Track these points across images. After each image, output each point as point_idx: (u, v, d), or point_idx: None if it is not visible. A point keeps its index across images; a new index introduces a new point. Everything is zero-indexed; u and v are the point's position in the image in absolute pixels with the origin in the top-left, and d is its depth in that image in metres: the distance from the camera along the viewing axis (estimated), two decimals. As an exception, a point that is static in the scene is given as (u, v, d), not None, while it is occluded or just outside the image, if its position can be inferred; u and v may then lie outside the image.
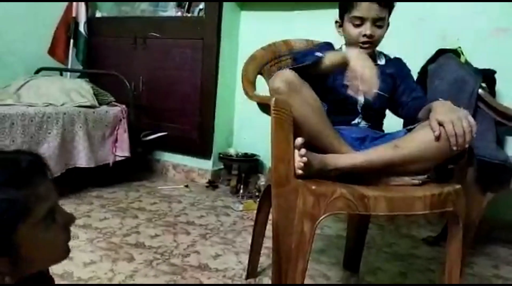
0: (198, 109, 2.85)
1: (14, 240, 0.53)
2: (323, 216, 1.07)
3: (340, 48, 1.48)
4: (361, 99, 1.37)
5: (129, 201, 2.41)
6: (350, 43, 1.40)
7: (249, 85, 1.43)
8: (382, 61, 1.45)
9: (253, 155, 2.83)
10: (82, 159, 2.35)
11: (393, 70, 1.43)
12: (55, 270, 1.48)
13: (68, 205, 2.21)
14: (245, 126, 2.96)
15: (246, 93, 1.41)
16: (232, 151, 2.83)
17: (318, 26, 1.92)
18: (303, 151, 1.07)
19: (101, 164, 2.50)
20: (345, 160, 1.14)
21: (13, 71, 2.80)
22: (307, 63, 1.22)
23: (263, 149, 2.85)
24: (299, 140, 1.09)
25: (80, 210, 2.18)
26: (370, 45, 1.35)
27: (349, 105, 1.38)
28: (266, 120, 3.24)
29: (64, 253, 0.65)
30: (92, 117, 2.44)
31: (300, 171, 1.09)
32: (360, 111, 1.39)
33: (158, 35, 2.95)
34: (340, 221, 2.35)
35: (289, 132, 1.10)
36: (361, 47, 1.34)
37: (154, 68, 2.98)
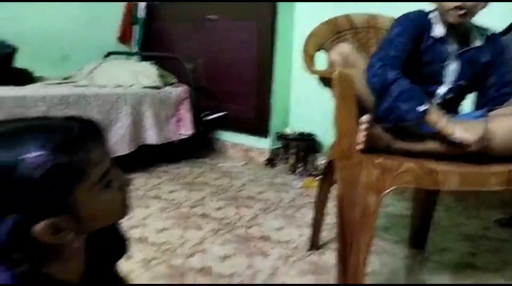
0: (255, 89, 2.91)
1: (72, 201, 0.55)
2: (388, 190, 1.08)
3: (430, 12, 1.31)
4: (439, 92, 1.30)
5: (194, 176, 2.56)
6: (442, 13, 1.24)
7: (310, 60, 1.45)
8: (477, 43, 1.27)
9: (309, 134, 2.84)
10: (151, 137, 2.52)
11: (489, 57, 1.27)
12: (133, 234, 1.65)
13: (139, 179, 2.40)
14: (301, 105, 2.97)
15: (308, 68, 1.43)
16: (288, 130, 2.87)
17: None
18: (365, 126, 1.08)
19: (167, 142, 2.66)
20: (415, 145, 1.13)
21: (86, 56, 3.03)
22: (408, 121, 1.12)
23: (320, 128, 2.85)
24: (364, 117, 1.10)
25: (150, 183, 2.36)
26: (464, 16, 1.18)
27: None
28: (322, 98, 3.22)
29: (122, 212, 0.66)
30: (158, 98, 2.60)
31: (361, 146, 1.10)
32: (435, 100, 1.31)
33: (215, 17, 3.02)
34: (405, 200, 2.31)
35: (352, 105, 1.11)
36: (453, 20, 1.20)
37: (212, 50, 3.07)
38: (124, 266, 0.94)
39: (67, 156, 0.54)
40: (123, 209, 0.66)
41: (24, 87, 2.16)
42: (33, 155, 0.52)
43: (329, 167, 1.45)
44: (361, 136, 1.09)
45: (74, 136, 0.56)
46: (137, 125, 2.47)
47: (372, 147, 1.12)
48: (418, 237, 1.70)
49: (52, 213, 0.54)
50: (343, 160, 1.13)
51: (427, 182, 1.05)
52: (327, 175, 1.47)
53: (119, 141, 2.32)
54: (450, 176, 1.03)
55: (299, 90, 2.95)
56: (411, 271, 1.53)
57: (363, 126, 1.08)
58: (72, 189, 0.55)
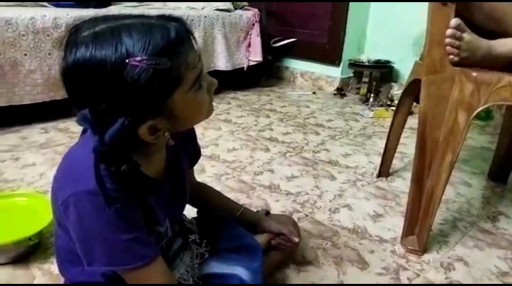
0: (330, 12, 2.71)
1: (170, 103, 0.57)
2: (481, 107, 0.97)
3: None
4: None
5: (261, 103, 2.56)
6: None
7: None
8: None
9: (386, 62, 2.64)
10: (221, 62, 2.51)
11: None
12: (206, 152, 1.71)
13: (209, 103, 2.46)
14: (379, 30, 2.73)
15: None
16: (363, 57, 2.68)
17: None
18: (452, 31, 0.94)
19: (237, 68, 2.64)
20: None
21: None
22: None
23: (398, 55, 2.63)
24: (454, 21, 0.95)
25: (220, 107, 2.41)
26: None
27: None
28: (403, 23, 2.96)
29: (208, 112, 0.67)
30: (228, 21, 2.54)
31: (452, 57, 0.97)
32: None
33: None
34: (486, 134, 2.12)
35: (450, 9, 0.97)
36: None
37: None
38: (197, 178, 0.99)
39: (168, 60, 0.54)
40: (209, 109, 0.67)
41: (107, 8, 2.23)
42: (138, 59, 0.52)
43: (410, 89, 1.33)
44: (451, 43, 0.96)
45: (173, 39, 0.56)
46: (208, 49, 2.46)
47: (465, 59, 0.99)
48: (500, 170, 1.56)
49: (153, 115, 0.57)
50: (432, 74, 1.01)
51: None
52: (408, 95, 1.36)
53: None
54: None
55: (378, 14, 2.70)
56: (488, 202, 1.42)
57: (450, 31, 0.94)
58: (171, 92, 0.57)
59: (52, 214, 0.70)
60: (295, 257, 1.07)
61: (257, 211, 1.07)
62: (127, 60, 0.52)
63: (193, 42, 0.60)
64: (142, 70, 0.52)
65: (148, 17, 0.59)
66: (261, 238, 0.98)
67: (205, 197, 0.99)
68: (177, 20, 0.60)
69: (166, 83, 0.55)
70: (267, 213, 1.07)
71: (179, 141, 0.78)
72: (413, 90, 1.36)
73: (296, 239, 0.96)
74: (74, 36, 0.55)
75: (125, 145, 0.56)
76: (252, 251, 0.88)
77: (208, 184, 1.06)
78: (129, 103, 0.54)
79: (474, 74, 0.95)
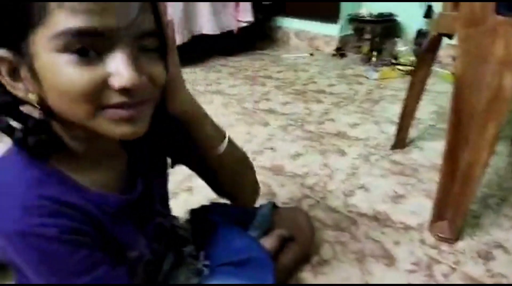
0: (325, -39, 2.43)
1: (26, 43, 0.39)
2: (535, 67, 0.77)
3: None
4: None
5: (255, 69, 2.33)
6: None
7: None
8: None
9: (390, 15, 2.39)
10: (207, 25, 2.25)
11: None
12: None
13: (198, 73, 2.23)
14: (381, -20, 2.46)
15: None
16: (364, 11, 2.43)
17: None
18: None
19: (225, 31, 2.38)
20: None
21: None
22: None
23: (403, 7, 2.38)
24: None
25: (210, 77, 2.18)
26: None
27: None
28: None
29: (108, 132, 0.44)
30: (212, -22, 2.26)
31: None
32: None
33: None
34: None
35: None
36: None
37: None
38: None
39: None
40: (102, 125, 0.43)
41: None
42: None
43: (431, 45, 1.13)
44: None
45: None
46: (190, 11, 2.19)
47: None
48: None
49: (9, 44, 0.40)
50: (470, 26, 0.81)
51: None
52: (429, 52, 1.16)
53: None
54: None
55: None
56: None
57: None
58: (29, 23, 0.38)
59: None
60: (310, 257, 0.91)
61: (260, 206, 0.89)
62: None
63: None
64: None
65: None
66: (269, 241, 0.81)
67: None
68: None
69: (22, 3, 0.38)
70: (275, 206, 0.90)
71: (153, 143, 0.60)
72: (433, 47, 1.16)
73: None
74: None
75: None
76: (261, 264, 0.71)
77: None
78: None
79: (528, 24, 0.75)
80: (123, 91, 0.40)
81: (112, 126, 0.42)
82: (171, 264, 0.71)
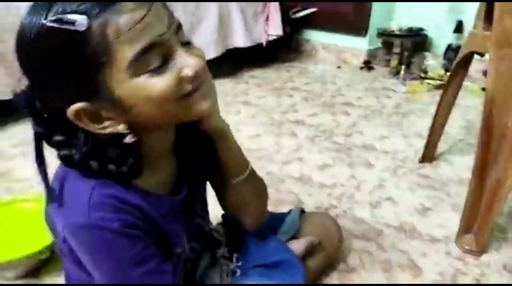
0: (355, -24, 2.47)
1: (100, 84, 0.44)
2: None
3: None
4: None
5: (282, 81, 2.38)
6: None
7: None
8: None
9: (419, 29, 2.40)
10: (239, 38, 2.32)
11: None
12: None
13: (227, 84, 2.30)
14: (410, -5, 2.48)
15: None
16: (393, 25, 2.45)
17: None
18: None
19: (255, 44, 2.45)
20: None
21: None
22: None
23: (433, 22, 2.39)
24: None
25: (238, 88, 2.25)
26: None
27: None
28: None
29: (185, 111, 0.49)
30: (244, -7, 2.33)
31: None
32: None
33: None
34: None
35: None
36: None
37: None
38: None
39: (87, 19, 0.40)
40: (183, 105, 0.48)
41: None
42: (51, 18, 0.41)
43: (467, 58, 1.14)
44: None
45: None
46: (224, 25, 2.27)
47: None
48: None
49: (84, 96, 0.45)
50: (503, 47, 0.83)
51: None
52: (460, 70, 1.17)
53: (206, 44, 2.17)
54: None
55: (408, -24, 2.44)
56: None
57: None
58: (97, 66, 0.43)
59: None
60: (337, 263, 0.94)
61: (290, 210, 0.93)
62: (41, 22, 0.41)
63: (146, 4, 0.43)
64: (51, 33, 0.41)
65: None
66: (297, 245, 0.85)
67: None
68: None
69: (86, 51, 0.41)
70: (302, 211, 0.94)
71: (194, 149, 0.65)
72: (465, 64, 1.18)
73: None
74: None
75: (60, 126, 0.47)
76: (292, 267, 0.75)
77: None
78: (51, 74, 0.44)
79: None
80: (194, 76, 0.47)
81: (194, 109, 0.49)
82: (206, 264, 0.75)
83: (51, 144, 0.49)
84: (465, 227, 1.01)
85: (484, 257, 0.98)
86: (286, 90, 2.22)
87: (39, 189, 1.24)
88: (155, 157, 0.55)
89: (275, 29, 2.46)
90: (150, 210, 0.53)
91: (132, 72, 0.44)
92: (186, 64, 0.47)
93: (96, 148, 0.48)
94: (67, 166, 0.50)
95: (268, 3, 2.44)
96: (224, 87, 2.26)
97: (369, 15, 2.50)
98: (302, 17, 2.76)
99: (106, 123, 0.47)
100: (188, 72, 0.47)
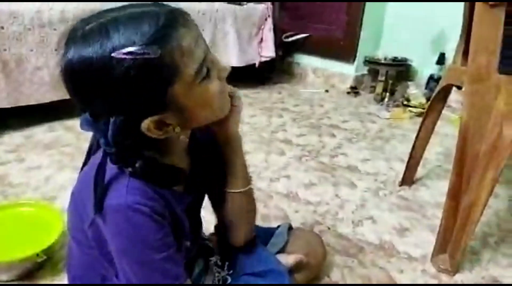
0: (346, 6, 2.60)
1: (171, 97, 0.52)
2: (531, 121, 0.88)
3: None
4: None
5: (273, 101, 2.47)
6: None
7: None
8: None
9: (404, 59, 2.54)
10: (233, 58, 2.42)
11: None
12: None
13: (219, 101, 2.37)
14: (397, 26, 2.62)
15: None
16: (380, 54, 2.58)
17: None
18: None
19: (248, 65, 2.55)
20: None
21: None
22: None
23: (417, 53, 2.53)
24: None
25: (231, 106, 2.32)
26: None
27: None
28: (423, 19, 2.81)
29: (224, 104, 0.61)
30: (241, 14, 2.44)
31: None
32: None
33: None
34: None
35: (500, 11, 0.88)
36: None
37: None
38: None
39: (158, 48, 0.48)
40: (224, 101, 0.61)
41: None
42: (124, 51, 0.48)
43: (446, 90, 1.24)
44: None
45: (163, 24, 0.50)
46: (219, 45, 2.37)
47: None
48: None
49: (154, 110, 0.53)
50: (477, 83, 0.93)
51: None
52: (439, 100, 1.27)
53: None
54: None
55: (396, 9, 2.59)
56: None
57: None
58: (169, 84, 0.51)
59: (69, 231, 0.65)
60: (321, 277, 1.00)
61: (279, 225, 0.99)
62: (112, 55, 0.48)
63: (190, 24, 0.53)
64: (130, 63, 0.48)
65: (140, 5, 0.52)
66: (286, 259, 0.90)
67: None
68: (168, 6, 0.54)
69: (160, 74, 0.50)
70: (290, 228, 1.00)
71: (203, 150, 0.72)
72: (444, 94, 1.28)
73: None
74: (68, 37, 0.52)
75: (133, 143, 0.54)
76: (279, 276, 0.80)
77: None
78: (123, 100, 0.50)
79: (525, 84, 0.87)
80: (225, 77, 0.60)
81: (225, 105, 0.62)
82: (200, 270, 0.80)
83: (123, 161, 0.55)
84: (440, 247, 1.08)
85: (457, 276, 1.05)
86: (276, 110, 2.30)
87: (33, 195, 1.27)
88: (176, 153, 0.63)
89: (268, 51, 2.56)
90: (175, 205, 0.60)
91: (195, 82, 0.53)
92: (220, 67, 0.58)
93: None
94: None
95: (263, 26, 2.55)
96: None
97: (358, 43, 2.63)
98: (294, 41, 2.88)
99: (169, 128, 0.55)
100: (225, 73, 0.59)
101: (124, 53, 0.48)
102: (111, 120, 0.51)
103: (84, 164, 0.64)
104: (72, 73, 0.51)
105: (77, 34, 0.50)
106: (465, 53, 1.06)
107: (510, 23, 0.92)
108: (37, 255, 0.92)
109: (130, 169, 0.54)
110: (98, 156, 0.58)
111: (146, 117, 0.52)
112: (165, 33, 0.49)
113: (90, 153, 0.64)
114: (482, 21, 0.90)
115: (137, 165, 0.54)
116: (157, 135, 0.54)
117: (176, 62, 0.50)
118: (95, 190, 0.54)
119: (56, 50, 1.75)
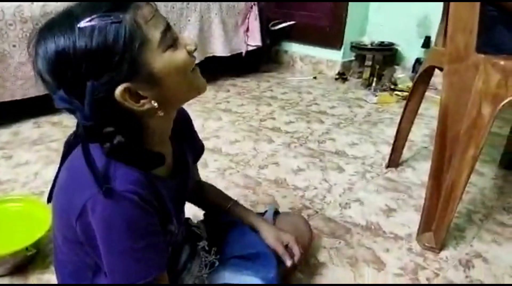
0: (331, -8, 2.60)
1: (142, 63, 0.53)
2: (508, 99, 0.90)
3: None
4: None
5: (261, 90, 2.47)
6: None
7: None
8: None
9: (390, 44, 2.55)
10: (219, 47, 2.41)
11: None
12: (207, 144, 1.64)
13: (208, 92, 2.36)
14: (383, 10, 2.63)
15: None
16: (366, 39, 2.59)
17: None
18: None
19: (235, 53, 2.54)
20: None
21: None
22: None
23: (403, 37, 2.54)
24: None
25: (219, 96, 2.32)
26: None
27: None
28: (408, 2, 2.80)
29: (199, 84, 0.62)
30: (226, 4, 2.42)
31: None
32: None
33: None
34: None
35: (477, -7, 0.89)
36: None
37: None
38: (200, 172, 0.92)
39: (120, 14, 0.52)
40: (198, 81, 0.62)
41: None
42: (86, 19, 0.51)
43: (428, 71, 1.26)
44: None
45: None
46: (205, 34, 2.35)
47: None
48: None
49: (125, 77, 0.53)
50: (454, 62, 0.94)
51: None
52: (422, 81, 1.29)
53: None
54: None
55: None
56: (501, 193, 1.37)
57: None
58: (135, 48, 0.53)
59: (54, 227, 0.64)
60: (308, 259, 1.02)
61: (265, 211, 1.00)
62: (78, 25, 0.51)
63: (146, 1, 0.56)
64: (95, 29, 0.51)
65: None
66: (283, 236, 0.91)
67: (203, 195, 0.93)
68: None
69: (123, 38, 0.52)
70: (276, 212, 1.01)
71: (182, 135, 0.73)
72: (427, 76, 1.29)
73: (288, 263, 0.82)
74: (36, 37, 0.54)
75: (110, 116, 0.55)
76: (266, 259, 0.82)
77: (212, 180, 1.00)
78: (93, 66, 0.52)
79: (502, 62, 0.88)
80: (194, 51, 0.60)
81: (200, 82, 0.63)
82: (187, 255, 0.82)
83: (101, 137, 0.55)
84: (425, 226, 1.11)
85: (442, 253, 1.08)
86: (264, 99, 2.31)
87: (22, 190, 1.27)
88: (160, 139, 0.64)
89: (255, 40, 2.56)
90: (162, 191, 0.61)
91: (161, 49, 0.55)
92: (187, 42, 0.59)
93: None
94: (113, 157, 0.55)
95: (248, 15, 2.54)
96: (205, 94, 2.28)
97: (344, 29, 2.63)
98: (281, 29, 2.87)
99: (144, 101, 0.56)
100: (192, 47, 0.59)
101: (88, 21, 0.51)
102: (86, 88, 0.52)
103: (59, 169, 0.62)
104: (49, 59, 0.52)
105: (43, 30, 0.54)
106: (446, 34, 1.08)
107: (488, 2, 0.93)
108: (27, 249, 0.92)
109: (108, 145, 0.54)
110: (75, 154, 0.58)
111: (118, 84, 0.53)
112: (125, 3, 0.53)
113: (64, 158, 0.62)
114: (459, 3, 0.91)
115: (115, 141, 0.54)
116: (133, 106, 0.55)
117: (139, 26, 0.53)
118: (92, 172, 0.53)
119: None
